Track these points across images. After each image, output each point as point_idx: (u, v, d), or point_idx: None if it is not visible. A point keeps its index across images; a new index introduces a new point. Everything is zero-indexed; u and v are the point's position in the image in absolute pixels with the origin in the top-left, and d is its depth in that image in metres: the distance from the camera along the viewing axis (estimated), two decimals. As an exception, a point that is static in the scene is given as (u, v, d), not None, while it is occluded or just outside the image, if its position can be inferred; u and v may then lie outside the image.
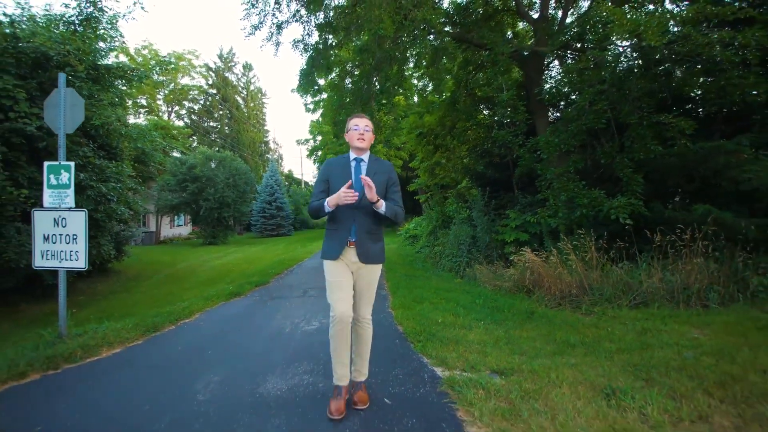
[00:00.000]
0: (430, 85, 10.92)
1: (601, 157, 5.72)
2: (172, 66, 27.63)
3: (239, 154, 31.36)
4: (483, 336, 3.80)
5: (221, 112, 40.00)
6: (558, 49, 7.26)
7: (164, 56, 27.48)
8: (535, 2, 9.37)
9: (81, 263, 3.66)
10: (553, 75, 9.25)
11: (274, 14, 7.73)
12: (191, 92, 36.98)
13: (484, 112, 10.12)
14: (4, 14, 6.11)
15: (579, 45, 7.44)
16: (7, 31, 6.08)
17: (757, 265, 4.65)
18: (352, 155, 2.40)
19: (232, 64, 41.65)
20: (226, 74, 40.99)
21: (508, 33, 10.25)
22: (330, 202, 2.20)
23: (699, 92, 5.24)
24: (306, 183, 45.47)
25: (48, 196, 3.65)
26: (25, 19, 6.43)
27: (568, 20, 9.39)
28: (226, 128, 40.25)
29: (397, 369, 2.97)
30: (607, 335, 3.75)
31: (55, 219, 3.64)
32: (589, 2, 10.14)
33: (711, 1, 4.99)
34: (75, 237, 3.62)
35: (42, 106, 6.13)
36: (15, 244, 5.57)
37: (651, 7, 8.71)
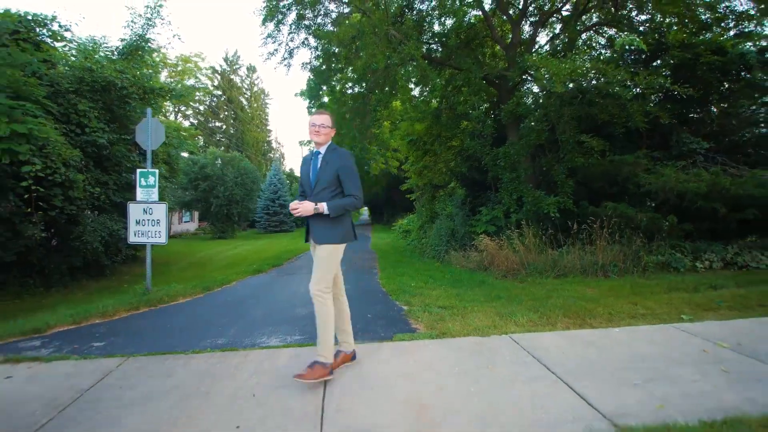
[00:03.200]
0: (424, 92, 12.41)
1: (544, 166, 7.34)
2: (183, 68, 29.27)
3: (245, 154, 32.97)
4: (441, 293, 5.41)
5: (226, 113, 41.64)
6: (520, 75, 8.86)
7: (173, 60, 29.14)
8: (509, 32, 10.92)
9: (162, 239, 5.27)
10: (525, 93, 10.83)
11: (287, 43, 9.34)
12: (197, 93, 38.54)
13: (467, 121, 11.67)
14: (77, 51, 7.73)
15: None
16: (77, 60, 7.70)
17: (650, 247, 6.30)
18: (315, 149, 2.68)
19: (237, 66, 43.29)
20: (231, 76, 42.62)
21: (488, 54, 11.83)
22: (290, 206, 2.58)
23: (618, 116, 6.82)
24: (307, 182, 47.01)
25: (139, 193, 5.26)
26: (77, 51, 8.02)
27: (544, 41, 10.94)
28: (231, 128, 41.92)
29: (378, 306, 4.63)
30: (526, 293, 5.36)
31: (144, 209, 5.25)
32: (561, 25, 11.79)
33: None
34: (158, 221, 5.23)
35: (105, 121, 7.79)
36: (89, 230, 7.20)
37: (612, 32, 10.36)
